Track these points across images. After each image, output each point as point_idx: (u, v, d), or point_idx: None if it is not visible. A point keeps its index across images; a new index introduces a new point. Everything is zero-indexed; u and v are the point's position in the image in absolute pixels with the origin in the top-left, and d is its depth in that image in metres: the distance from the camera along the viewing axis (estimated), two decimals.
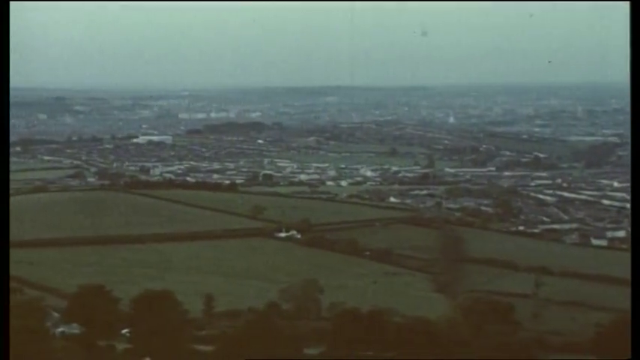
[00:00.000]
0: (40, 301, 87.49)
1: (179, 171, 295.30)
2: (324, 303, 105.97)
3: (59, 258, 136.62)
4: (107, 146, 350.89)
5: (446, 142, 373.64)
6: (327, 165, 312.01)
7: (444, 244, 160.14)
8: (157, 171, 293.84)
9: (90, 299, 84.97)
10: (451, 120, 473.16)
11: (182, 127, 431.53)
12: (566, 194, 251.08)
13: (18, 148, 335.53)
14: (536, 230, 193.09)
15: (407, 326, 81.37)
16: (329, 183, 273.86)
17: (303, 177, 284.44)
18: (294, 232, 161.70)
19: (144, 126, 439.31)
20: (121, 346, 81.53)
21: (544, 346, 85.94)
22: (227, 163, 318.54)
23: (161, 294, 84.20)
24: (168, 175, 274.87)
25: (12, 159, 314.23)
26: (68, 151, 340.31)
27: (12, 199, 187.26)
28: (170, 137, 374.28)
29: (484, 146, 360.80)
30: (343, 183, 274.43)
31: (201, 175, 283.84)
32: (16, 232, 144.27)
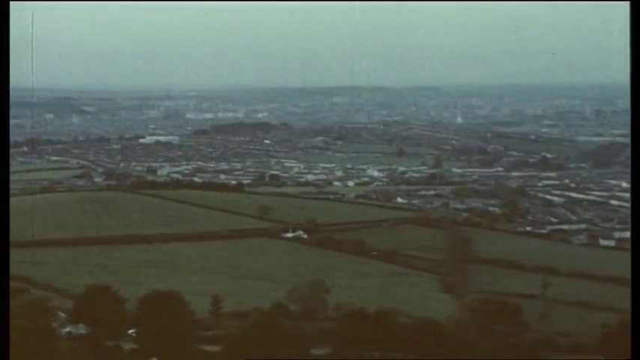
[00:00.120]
0: (47, 301, 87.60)
1: (186, 171, 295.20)
2: (331, 303, 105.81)
3: (66, 258, 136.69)
4: (114, 146, 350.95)
5: (453, 142, 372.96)
6: (334, 165, 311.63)
7: (452, 244, 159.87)
8: (164, 171, 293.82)
9: (96, 299, 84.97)
10: (459, 120, 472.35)
11: (189, 128, 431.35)
12: (574, 195, 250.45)
13: (25, 148, 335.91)
14: (543, 231, 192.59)
15: (414, 327, 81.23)
16: (336, 183, 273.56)
17: (310, 177, 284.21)
18: (301, 233, 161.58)
19: (151, 126, 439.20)
20: (127, 347, 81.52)
21: (551, 346, 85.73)
22: (234, 164, 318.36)
23: (168, 294, 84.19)
24: (175, 176, 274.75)
25: (19, 159, 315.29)
26: (75, 151, 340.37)
27: (19, 199, 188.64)
28: (177, 137, 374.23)
29: (492, 146, 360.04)
30: (350, 183, 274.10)
31: (209, 175, 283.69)
32: (22, 232, 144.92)
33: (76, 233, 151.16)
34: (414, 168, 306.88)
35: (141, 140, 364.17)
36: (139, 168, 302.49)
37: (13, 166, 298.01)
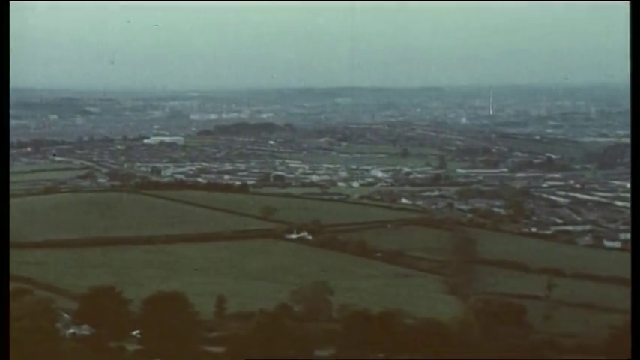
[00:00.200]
0: (51, 302, 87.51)
1: (190, 172, 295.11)
2: (335, 304, 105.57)
3: (70, 259, 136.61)
4: (118, 147, 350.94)
5: (458, 143, 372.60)
6: (338, 166, 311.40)
7: (456, 245, 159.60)
8: (168, 172, 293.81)
9: (100, 300, 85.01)
10: (463, 121, 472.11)
11: (193, 128, 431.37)
12: (578, 196, 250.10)
13: (29, 149, 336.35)
14: (548, 232, 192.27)
15: (418, 328, 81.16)
16: (340, 184, 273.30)
17: (314, 178, 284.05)
18: (305, 234, 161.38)
19: (155, 127, 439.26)
20: (131, 348, 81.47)
21: (556, 348, 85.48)
22: (238, 164, 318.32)
23: (172, 295, 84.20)
24: (179, 176, 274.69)
25: (23, 159, 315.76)
26: (79, 151, 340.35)
27: (23, 200, 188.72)
28: (181, 138, 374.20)
29: (496, 147, 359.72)
30: (354, 184, 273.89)
31: (213, 176, 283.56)
32: (26, 233, 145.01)
33: (80, 234, 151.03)
34: (418, 169, 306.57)
35: (145, 141, 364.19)
36: (143, 169, 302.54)
37: (17, 166, 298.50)
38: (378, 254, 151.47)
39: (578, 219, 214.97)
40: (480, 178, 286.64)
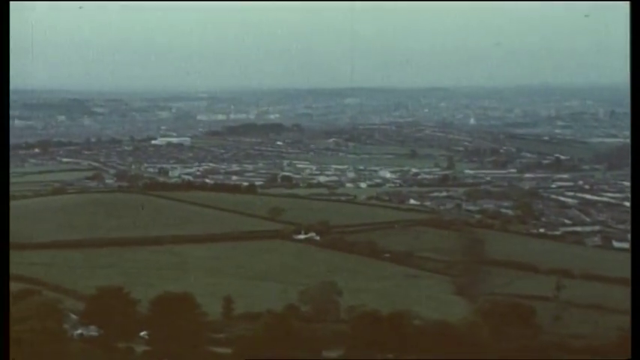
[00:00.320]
0: (58, 303, 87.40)
1: (198, 173, 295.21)
2: (343, 305, 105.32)
3: (77, 260, 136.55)
4: (126, 148, 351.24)
5: (466, 143, 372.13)
6: (346, 167, 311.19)
7: (464, 246, 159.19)
8: (176, 173, 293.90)
9: (108, 301, 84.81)
10: (471, 121, 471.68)
11: (201, 129, 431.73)
12: (587, 196, 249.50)
13: (36, 150, 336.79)
14: (557, 232, 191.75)
15: (427, 329, 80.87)
16: (348, 185, 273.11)
17: (322, 179, 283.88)
18: (313, 234, 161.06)
19: (162, 128, 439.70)
20: (139, 349, 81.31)
21: (565, 349, 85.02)
22: (246, 165, 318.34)
23: (179, 296, 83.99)
24: (186, 177, 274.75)
25: (30, 160, 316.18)
26: (86, 152, 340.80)
27: (30, 201, 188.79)
28: (189, 139, 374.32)
29: (504, 148, 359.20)
30: (362, 185, 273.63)
31: (220, 176, 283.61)
32: (34, 233, 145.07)
33: (87, 235, 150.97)
34: (426, 169, 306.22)
35: (152, 142, 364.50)
36: (150, 169, 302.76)
37: (25, 168, 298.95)
38: (387, 255, 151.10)
39: (587, 220, 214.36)
40: (489, 178, 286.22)
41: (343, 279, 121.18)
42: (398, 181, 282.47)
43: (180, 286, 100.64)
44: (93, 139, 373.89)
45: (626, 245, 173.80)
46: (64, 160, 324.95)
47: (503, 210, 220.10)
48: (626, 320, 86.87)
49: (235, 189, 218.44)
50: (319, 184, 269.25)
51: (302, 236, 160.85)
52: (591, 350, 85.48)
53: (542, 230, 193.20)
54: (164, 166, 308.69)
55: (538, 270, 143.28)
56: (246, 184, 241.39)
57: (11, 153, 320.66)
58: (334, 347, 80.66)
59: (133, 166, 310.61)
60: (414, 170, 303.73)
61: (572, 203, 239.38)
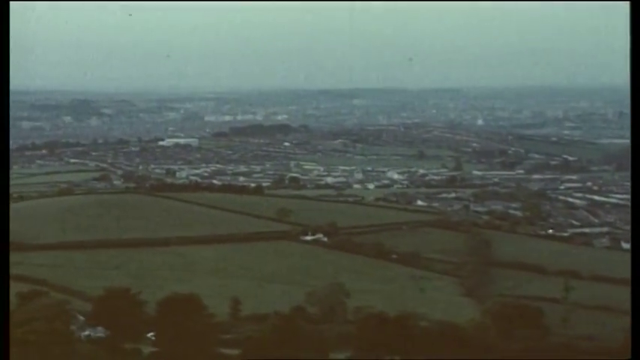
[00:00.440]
0: (66, 304, 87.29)
1: (205, 174, 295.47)
2: (351, 307, 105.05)
3: (84, 261, 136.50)
4: (133, 149, 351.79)
5: (474, 144, 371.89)
6: (353, 168, 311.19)
7: (472, 247, 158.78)
8: (183, 174, 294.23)
9: (115, 302, 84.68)
10: (479, 122, 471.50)
11: (208, 130, 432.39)
12: (596, 197, 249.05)
13: (44, 151, 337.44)
14: (565, 234, 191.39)
15: (434, 331, 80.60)
16: (355, 186, 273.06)
17: (329, 180, 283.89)
18: (321, 236, 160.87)
19: (170, 128, 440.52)
20: (146, 350, 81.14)
21: (573, 350, 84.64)
22: (253, 166, 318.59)
23: (187, 297, 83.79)
24: (194, 178, 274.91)
25: (38, 161, 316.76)
26: (94, 153, 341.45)
27: (37, 202, 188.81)
28: (196, 140, 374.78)
29: (513, 149, 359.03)
30: (370, 186, 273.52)
31: (228, 177, 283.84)
32: (41, 235, 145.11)
33: (95, 236, 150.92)
34: (434, 170, 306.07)
35: (160, 143, 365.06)
36: (157, 170, 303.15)
37: (32, 168, 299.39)
38: (394, 256, 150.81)
39: (596, 221, 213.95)
40: (496, 179, 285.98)
41: (351, 280, 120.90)
42: (405, 182, 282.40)
43: (188, 287, 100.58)
44: (100, 140, 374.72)
45: None
46: (72, 161, 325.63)
47: (512, 211, 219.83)
48: None
49: (242, 190, 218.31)
50: (327, 185, 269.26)
51: (309, 237, 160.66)
52: (599, 352, 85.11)
53: (550, 231, 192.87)
54: (171, 167, 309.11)
55: (546, 271, 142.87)
56: (253, 185, 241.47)
57: (19, 154, 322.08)
58: (341, 348, 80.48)
59: (141, 167, 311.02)
60: (422, 171, 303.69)
61: (580, 204, 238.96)
